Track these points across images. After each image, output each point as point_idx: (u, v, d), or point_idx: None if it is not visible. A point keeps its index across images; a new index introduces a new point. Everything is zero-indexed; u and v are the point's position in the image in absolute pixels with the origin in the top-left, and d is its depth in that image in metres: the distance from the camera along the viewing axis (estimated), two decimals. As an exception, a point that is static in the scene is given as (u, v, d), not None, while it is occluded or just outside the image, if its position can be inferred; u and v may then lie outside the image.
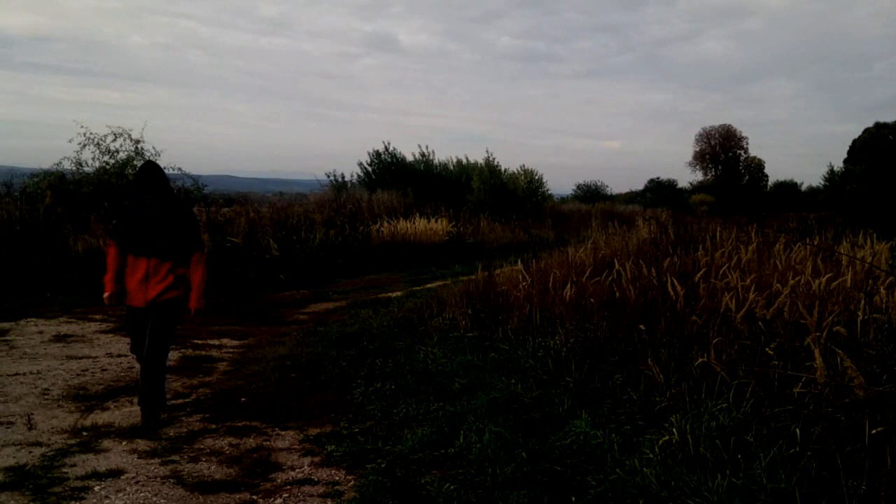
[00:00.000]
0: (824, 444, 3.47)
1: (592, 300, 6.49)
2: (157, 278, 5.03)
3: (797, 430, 3.58)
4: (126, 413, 5.26)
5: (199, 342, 7.81)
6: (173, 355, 7.10)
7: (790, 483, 3.36)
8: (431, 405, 5.26)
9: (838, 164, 56.62)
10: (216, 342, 7.89)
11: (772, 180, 59.14)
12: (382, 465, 4.16)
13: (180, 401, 5.62)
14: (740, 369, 4.53)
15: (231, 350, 7.52)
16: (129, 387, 5.95)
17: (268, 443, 4.65)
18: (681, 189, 53.28)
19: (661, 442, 4.03)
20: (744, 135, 60.64)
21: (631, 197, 48.32)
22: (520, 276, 7.99)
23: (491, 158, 26.44)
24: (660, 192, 49.28)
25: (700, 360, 4.63)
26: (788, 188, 55.59)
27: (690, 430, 3.96)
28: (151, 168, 5.19)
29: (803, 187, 57.10)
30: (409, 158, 26.35)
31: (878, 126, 58.97)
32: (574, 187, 45.39)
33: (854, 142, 60.18)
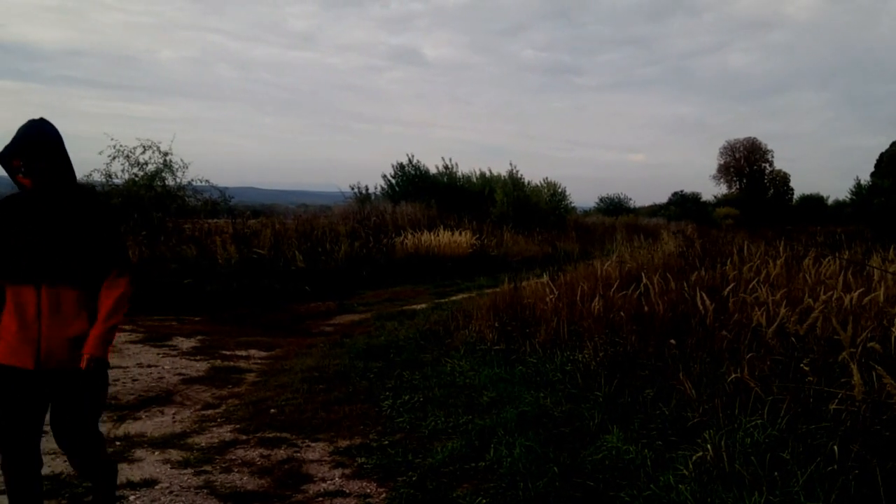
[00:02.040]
0: (863, 461, 3.42)
1: (622, 314, 6.46)
2: (59, 319, 2.96)
3: (835, 448, 3.53)
4: (157, 423, 5.30)
5: (228, 353, 7.87)
6: (202, 366, 7.17)
7: (828, 502, 3.31)
8: (461, 418, 5.25)
9: (865, 178, 56.02)
10: (244, 353, 7.94)
11: (797, 193, 58.61)
12: (414, 478, 4.15)
13: (210, 411, 5.66)
14: (774, 385, 4.48)
15: (259, 361, 7.56)
16: (159, 396, 6.01)
17: (298, 454, 4.67)
18: (705, 202, 52.92)
19: (694, 458, 3.99)
20: (769, 148, 60.11)
21: (654, 210, 48.04)
22: (546, 290, 7.98)
23: (514, 171, 26.49)
24: (684, 205, 48.96)
25: (733, 375, 4.59)
26: (814, 202, 54.99)
27: (725, 447, 3.92)
28: (37, 131, 3.00)
29: (830, 201, 56.44)
30: (433, 171, 26.45)
31: (906, 139, 58.10)
32: (597, 200, 45.26)
33: (882, 155, 59.45)
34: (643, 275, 8.33)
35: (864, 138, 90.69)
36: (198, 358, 7.56)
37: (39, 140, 2.96)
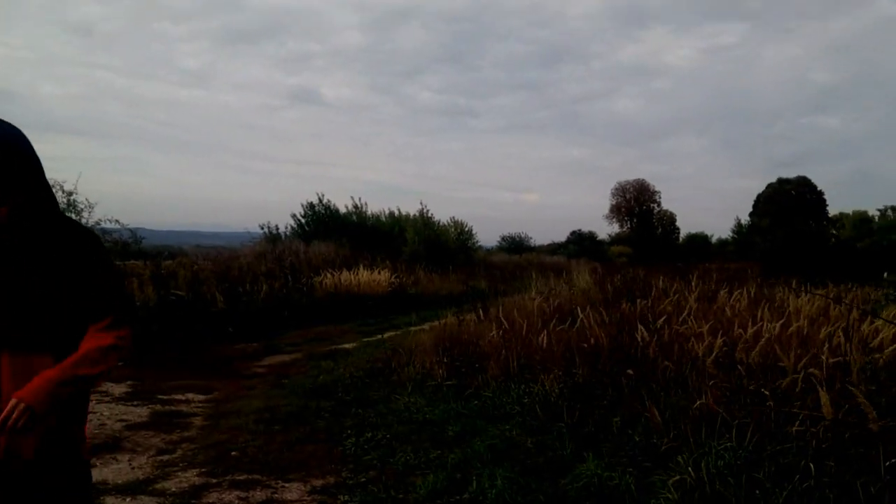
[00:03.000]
0: (838, 477, 3.70)
1: (573, 347, 6.68)
2: None
3: (811, 465, 3.80)
4: (115, 470, 5.08)
5: (164, 397, 7.60)
6: (142, 411, 6.91)
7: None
8: (430, 453, 5.28)
9: (744, 217, 59.66)
10: (182, 397, 7.68)
11: (683, 232, 61.68)
12: (404, 514, 4.17)
13: (167, 457, 5.46)
14: (735, 410, 4.77)
15: (201, 404, 7.34)
16: (107, 443, 5.74)
17: (277, 495, 4.59)
18: (601, 240, 54.91)
19: (671, 481, 4.19)
20: (657, 189, 63.21)
21: (554, 248, 49.41)
22: (486, 326, 8.15)
23: (425, 210, 26.75)
24: (581, 243, 50.65)
25: (698, 402, 4.85)
26: (700, 240, 57.98)
27: (704, 469, 4.15)
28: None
29: (713, 239, 59.68)
30: (343, 210, 26.38)
31: (781, 181, 62.48)
32: (499, 239, 46.13)
33: (758, 196, 63.53)
34: (578, 309, 8.65)
35: (741, 180, 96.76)
36: (135, 403, 7.26)
37: (3, 156, 2.04)
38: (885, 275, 19.88)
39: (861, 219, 69.50)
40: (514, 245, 44.58)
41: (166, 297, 12.24)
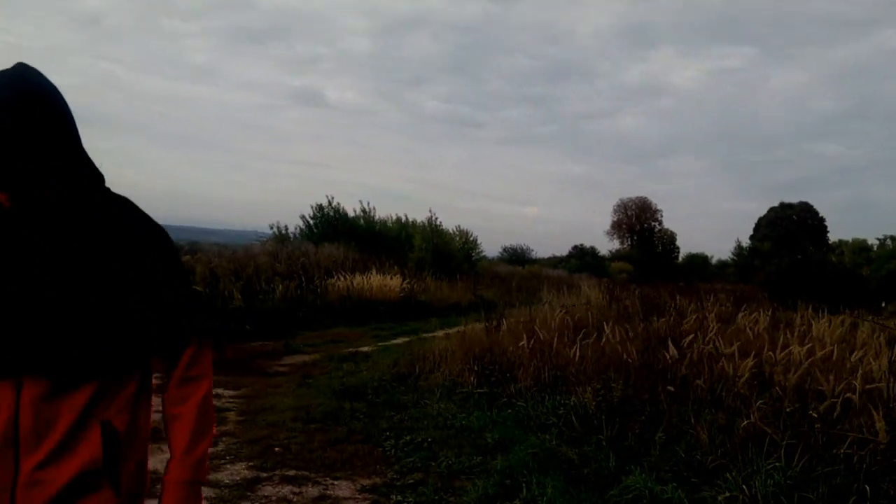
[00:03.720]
0: (892, 499, 3.78)
1: (607, 362, 6.77)
2: (53, 444, 1.47)
3: (866, 487, 3.88)
4: (164, 459, 5.12)
5: (194, 390, 7.65)
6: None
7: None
8: (473, 458, 5.35)
9: (744, 240, 59.94)
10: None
11: (683, 252, 61.87)
12: (460, 516, 4.24)
13: (211, 449, 5.51)
14: (779, 430, 4.85)
15: (232, 400, 7.39)
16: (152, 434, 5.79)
17: (329, 492, 4.65)
18: (602, 256, 55.06)
19: (721, 497, 4.28)
20: (658, 207, 63.47)
21: (555, 262, 49.53)
22: (509, 335, 8.25)
23: (434, 218, 26.84)
24: (583, 258, 50.79)
25: (745, 421, 4.93)
26: (700, 260, 58.15)
27: (752, 487, 4.23)
28: (16, 92, 1.45)
29: (713, 260, 59.87)
30: (351, 213, 26.46)
31: (783, 206, 62.82)
32: (501, 249, 46.23)
33: (760, 219, 63.89)
34: (605, 325, 8.74)
35: (741, 203, 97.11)
36: (167, 395, 7.31)
37: (24, 109, 1.44)
38: (883, 304, 20.10)
39: (860, 247, 69.97)
40: (516, 257, 44.69)
41: (185, 292, 12.31)
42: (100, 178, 1.62)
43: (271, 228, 24.41)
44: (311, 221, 25.67)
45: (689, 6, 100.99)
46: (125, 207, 1.63)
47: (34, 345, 1.43)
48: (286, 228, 24.66)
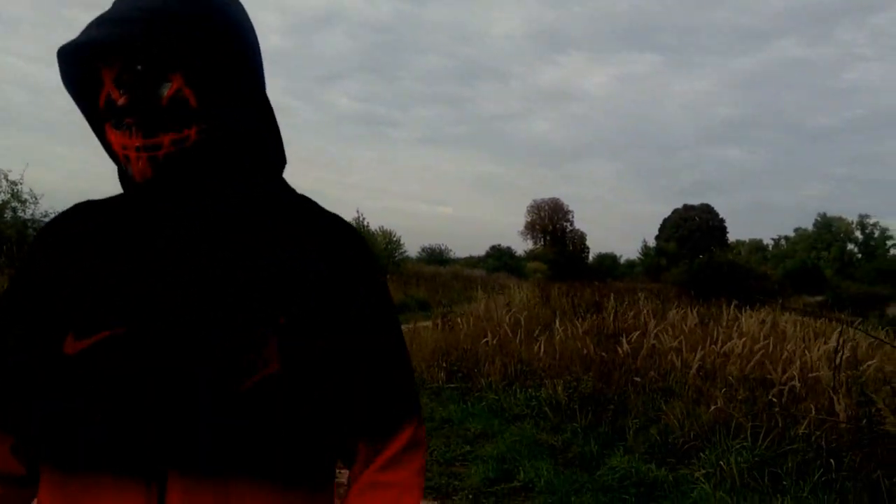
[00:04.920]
0: (857, 470, 4.36)
1: (570, 356, 7.26)
2: None
3: (832, 461, 4.46)
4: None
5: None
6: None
7: (833, 501, 4.21)
8: (462, 447, 5.72)
9: (650, 240, 62.60)
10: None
11: (593, 252, 63.98)
12: (470, 497, 4.60)
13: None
14: (743, 415, 5.42)
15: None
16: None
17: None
18: (519, 256, 56.30)
19: (699, 474, 4.79)
20: (570, 208, 65.41)
21: (473, 262, 50.34)
22: (480, 333, 8.66)
23: (361, 219, 26.99)
24: (500, 258, 51.82)
25: (713, 406, 5.48)
26: (609, 260, 60.22)
27: (729, 464, 4.76)
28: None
29: (622, 260, 62.18)
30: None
31: (687, 207, 65.84)
32: (419, 249, 46.70)
33: (664, 221, 66.79)
34: (556, 322, 9.27)
35: (647, 205, 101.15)
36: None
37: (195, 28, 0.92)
38: (780, 300, 21.63)
39: (757, 246, 74.07)
40: (434, 256, 45.25)
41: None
42: (281, 156, 1.05)
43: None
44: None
45: (598, 13, 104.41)
46: (309, 205, 1.04)
47: (181, 424, 0.86)
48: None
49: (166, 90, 0.90)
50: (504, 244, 57.90)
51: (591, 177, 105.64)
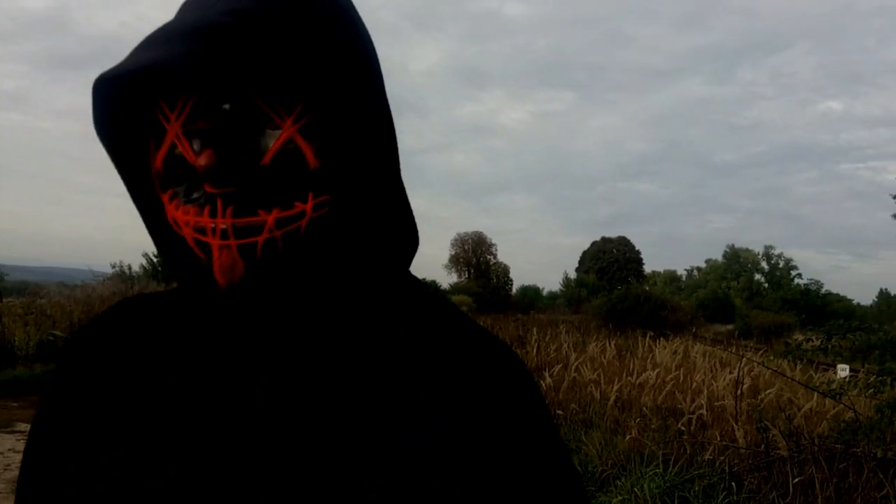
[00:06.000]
0: (756, 492, 4.76)
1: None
2: None
3: (733, 484, 4.84)
4: None
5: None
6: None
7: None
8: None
9: (571, 272, 64.11)
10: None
11: (516, 284, 64.97)
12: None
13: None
14: (655, 443, 5.79)
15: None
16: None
17: None
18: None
19: (615, 501, 5.11)
20: (493, 241, 66.38)
21: (398, 296, 50.40)
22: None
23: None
24: (424, 292, 52.05)
25: (629, 436, 5.83)
26: (532, 292, 61.27)
27: (643, 491, 5.09)
28: None
29: (544, 292, 63.37)
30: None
31: (605, 240, 67.78)
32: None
33: (584, 252, 68.57)
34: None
35: (566, 237, 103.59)
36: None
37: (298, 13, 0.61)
38: (694, 329, 22.63)
39: (671, 277, 76.72)
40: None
41: (45, 339, 11.90)
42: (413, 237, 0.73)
43: (113, 267, 23.52)
44: (156, 260, 24.98)
45: (516, 52, 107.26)
46: (448, 316, 0.71)
47: None
48: (129, 268, 23.85)
49: (272, 141, 0.59)
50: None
51: (511, 209, 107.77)
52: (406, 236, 0.71)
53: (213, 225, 0.58)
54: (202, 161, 0.57)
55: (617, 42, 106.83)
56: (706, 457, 5.39)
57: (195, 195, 0.59)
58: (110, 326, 0.70)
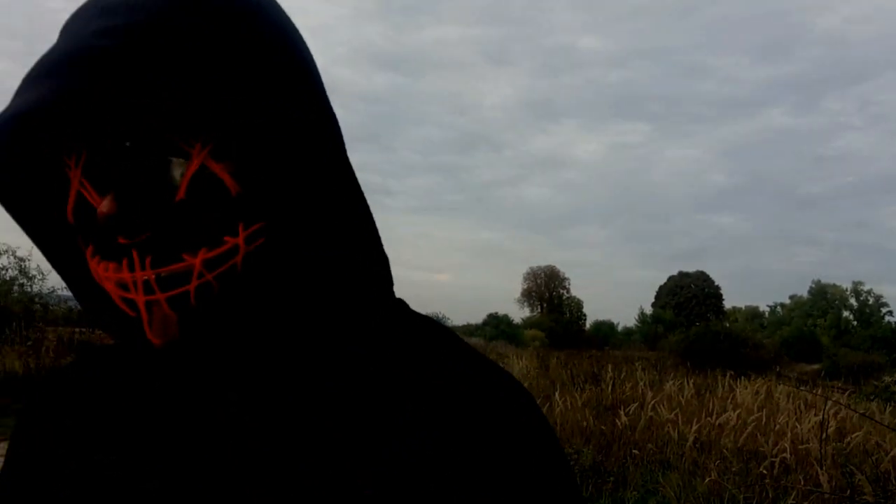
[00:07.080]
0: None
1: (570, 428, 7.53)
2: None
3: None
4: None
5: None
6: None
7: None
8: None
9: (646, 307, 62.96)
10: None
11: (589, 319, 64.21)
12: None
13: None
14: (735, 486, 5.69)
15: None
16: None
17: None
18: (517, 324, 56.48)
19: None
20: (566, 275, 65.93)
21: (471, 330, 50.52)
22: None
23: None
24: (497, 326, 52.02)
25: (708, 479, 5.75)
26: (607, 328, 60.40)
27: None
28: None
29: (619, 327, 62.37)
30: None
31: (682, 274, 66.33)
32: (418, 318, 46.78)
33: (660, 287, 67.23)
34: (556, 394, 9.54)
35: (641, 271, 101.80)
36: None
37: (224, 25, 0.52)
38: (777, 368, 21.89)
39: (753, 313, 74.41)
40: (433, 325, 45.31)
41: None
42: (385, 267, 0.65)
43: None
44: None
45: (589, 84, 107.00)
46: (444, 353, 0.61)
47: None
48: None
49: (180, 172, 0.51)
50: (501, 311, 58.25)
51: (585, 242, 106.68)
52: (368, 257, 0.61)
53: (133, 279, 0.50)
54: (103, 209, 0.50)
55: (694, 74, 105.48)
56: (789, 502, 5.27)
57: (111, 250, 0.52)
58: (67, 378, 0.66)
